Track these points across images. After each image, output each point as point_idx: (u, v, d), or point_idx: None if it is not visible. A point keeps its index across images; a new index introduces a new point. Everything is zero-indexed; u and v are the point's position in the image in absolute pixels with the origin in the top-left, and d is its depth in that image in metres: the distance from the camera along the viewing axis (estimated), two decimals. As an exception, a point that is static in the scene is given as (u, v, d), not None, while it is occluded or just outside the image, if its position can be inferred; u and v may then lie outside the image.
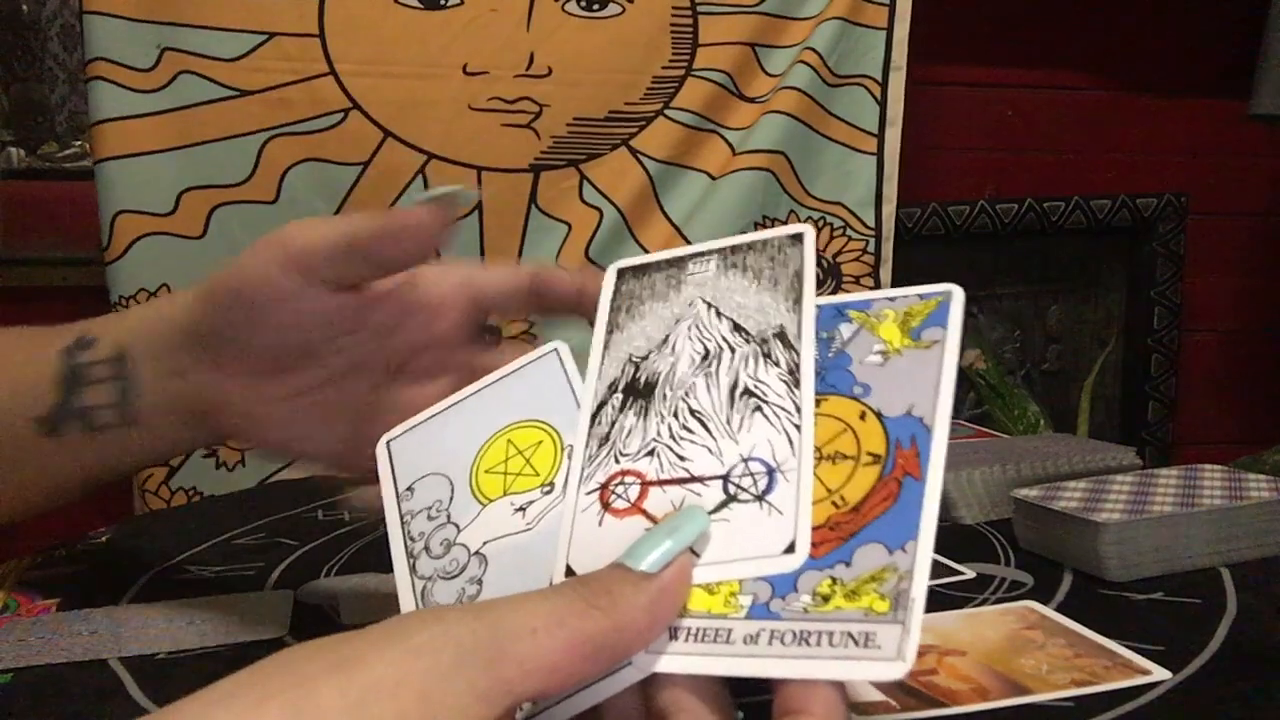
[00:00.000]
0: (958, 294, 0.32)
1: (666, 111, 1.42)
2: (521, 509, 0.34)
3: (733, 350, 0.33)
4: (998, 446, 0.78)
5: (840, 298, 0.34)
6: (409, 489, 0.36)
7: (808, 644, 0.27)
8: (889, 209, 1.50)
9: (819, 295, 0.34)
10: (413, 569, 0.34)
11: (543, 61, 1.35)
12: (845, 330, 0.33)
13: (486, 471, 0.35)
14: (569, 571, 0.31)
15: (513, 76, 1.35)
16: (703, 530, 0.29)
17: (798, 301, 0.34)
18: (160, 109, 1.25)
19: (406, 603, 0.33)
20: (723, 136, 1.45)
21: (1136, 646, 0.46)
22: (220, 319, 0.43)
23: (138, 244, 1.26)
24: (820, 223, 1.49)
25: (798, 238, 0.35)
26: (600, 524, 0.32)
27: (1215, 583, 0.55)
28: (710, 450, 0.32)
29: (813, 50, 1.43)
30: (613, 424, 0.34)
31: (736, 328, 0.34)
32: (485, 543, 0.33)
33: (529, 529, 0.33)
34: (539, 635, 0.25)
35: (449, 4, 1.32)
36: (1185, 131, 1.92)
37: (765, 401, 0.32)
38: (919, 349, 0.31)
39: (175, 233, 1.28)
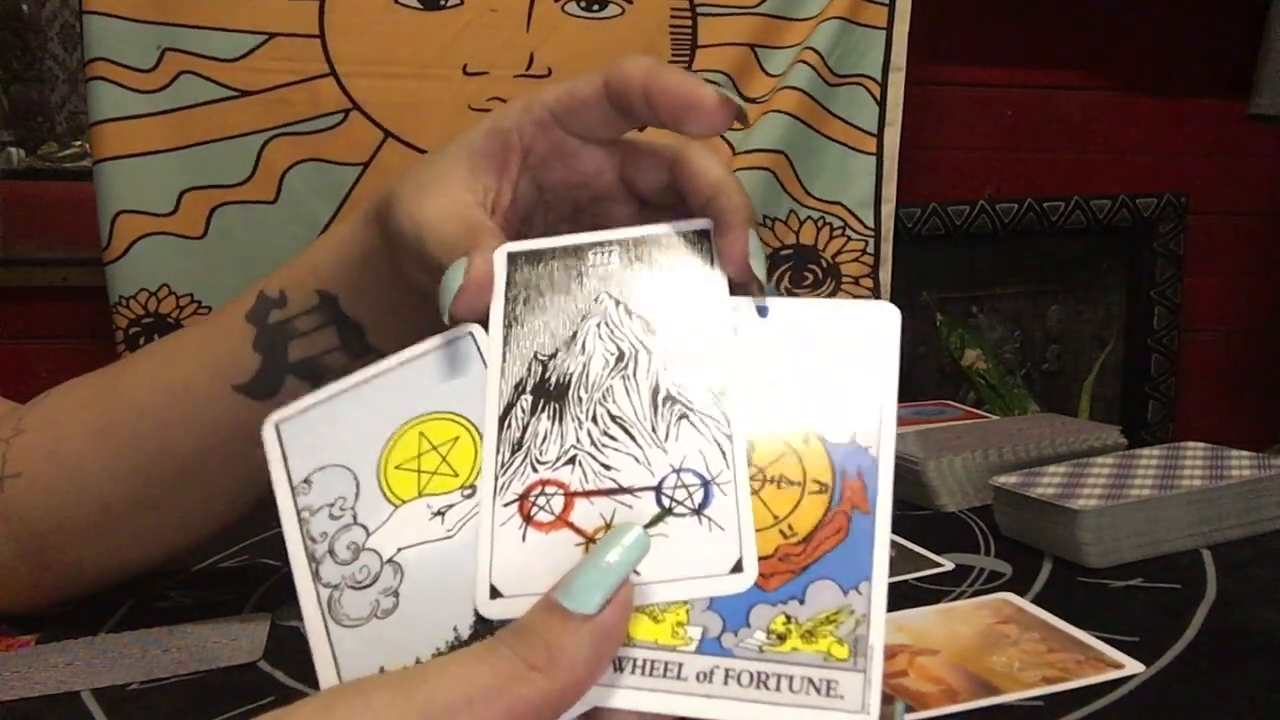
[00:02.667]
0: (894, 314, 0.31)
1: (666, 112, 1.42)
2: (440, 513, 0.31)
3: (649, 352, 0.32)
4: (982, 429, 0.77)
5: (770, 301, 0.33)
6: (306, 481, 0.32)
7: (766, 687, 0.26)
8: (888, 209, 1.50)
9: (774, 296, 0.33)
10: (315, 575, 0.31)
11: (543, 62, 1.35)
12: None
13: (397, 468, 0.32)
14: (494, 592, 0.29)
15: (512, 77, 1.34)
16: (644, 552, 0.27)
17: (710, 304, 0.32)
18: (160, 109, 1.25)
19: (310, 613, 0.30)
20: (723, 136, 1.44)
21: (1111, 638, 0.46)
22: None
23: (138, 244, 1.27)
24: (820, 222, 1.48)
25: (704, 234, 0.34)
26: (524, 539, 0.30)
27: (1196, 566, 0.54)
28: (637, 459, 0.30)
29: (813, 50, 1.43)
30: (525, 428, 0.31)
31: (649, 328, 0.32)
32: (400, 549, 0.31)
33: (449, 537, 0.31)
34: (475, 708, 0.24)
35: (449, 4, 1.31)
36: (1185, 131, 1.91)
37: (691, 409, 0.30)
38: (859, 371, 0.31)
39: (175, 233, 1.28)
